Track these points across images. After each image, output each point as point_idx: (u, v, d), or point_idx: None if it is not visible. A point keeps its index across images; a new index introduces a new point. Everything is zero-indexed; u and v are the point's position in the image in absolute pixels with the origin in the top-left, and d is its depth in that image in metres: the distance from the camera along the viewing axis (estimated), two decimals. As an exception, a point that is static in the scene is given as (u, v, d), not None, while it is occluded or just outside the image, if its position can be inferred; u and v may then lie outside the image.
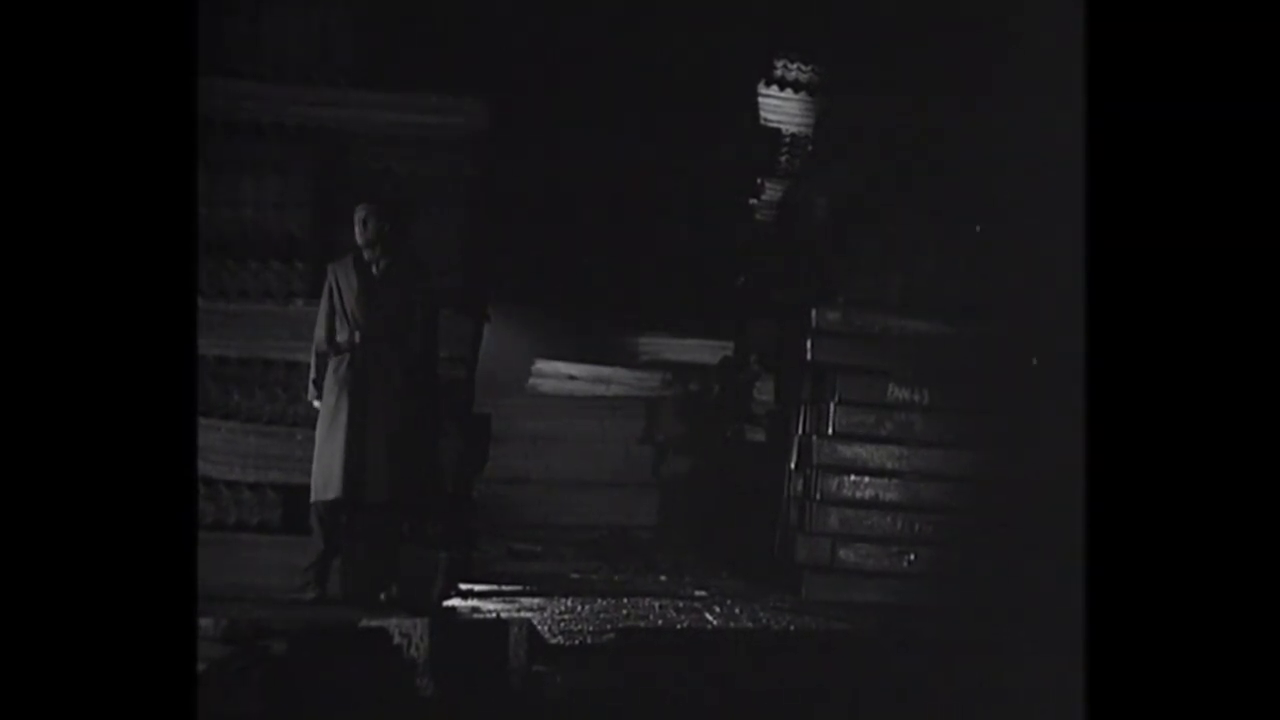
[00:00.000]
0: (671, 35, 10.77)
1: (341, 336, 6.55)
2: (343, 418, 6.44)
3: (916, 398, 8.57)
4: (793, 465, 9.20)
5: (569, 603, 7.82)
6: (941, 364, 8.53)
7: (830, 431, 8.54)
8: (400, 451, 6.51)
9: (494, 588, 8.37)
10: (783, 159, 10.69)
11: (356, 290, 6.54)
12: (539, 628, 6.47)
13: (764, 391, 10.89)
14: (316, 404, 6.59)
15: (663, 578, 9.78)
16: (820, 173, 9.56)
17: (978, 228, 8.56)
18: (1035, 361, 8.12)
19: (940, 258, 8.75)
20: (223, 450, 7.01)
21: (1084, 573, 3.16)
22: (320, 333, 6.57)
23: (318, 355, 6.57)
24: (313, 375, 6.60)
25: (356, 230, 6.57)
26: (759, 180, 11.17)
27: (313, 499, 6.50)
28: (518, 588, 8.49)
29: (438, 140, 7.40)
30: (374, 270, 6.59)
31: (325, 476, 6.44)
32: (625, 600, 8.08)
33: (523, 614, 6.92)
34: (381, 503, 6.49)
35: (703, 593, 8.74)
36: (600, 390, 13.88)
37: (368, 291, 6.54)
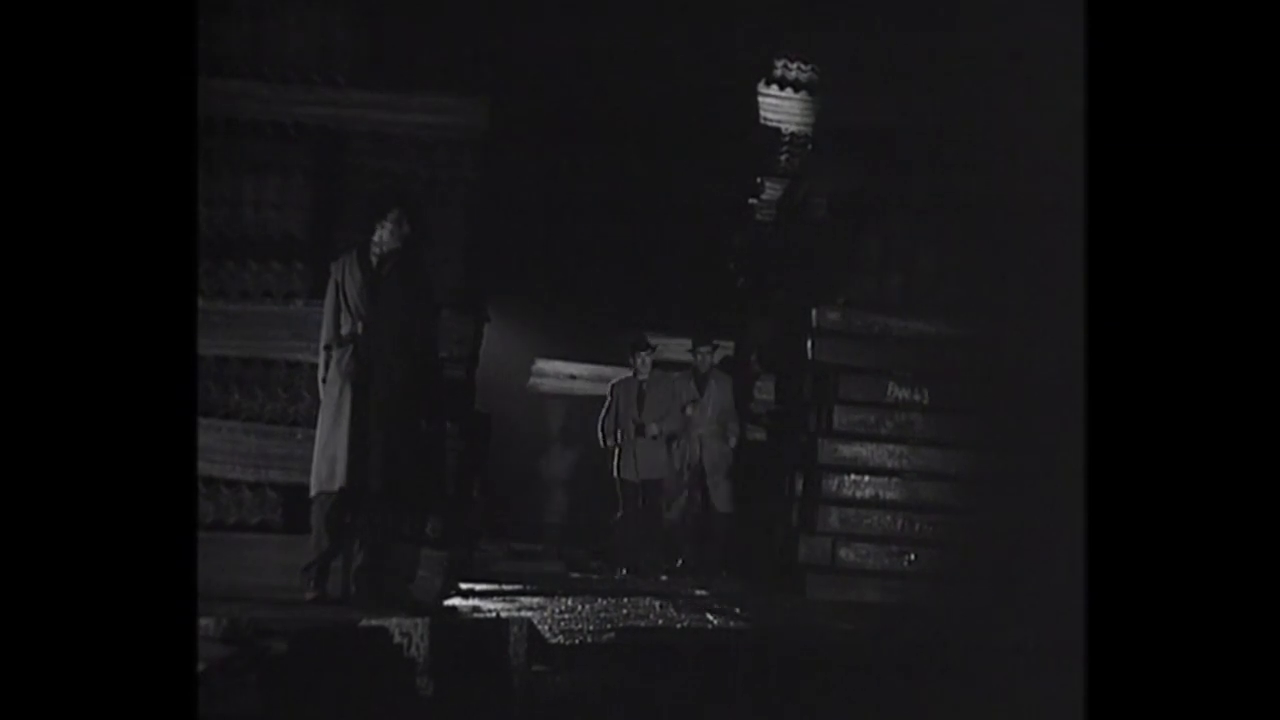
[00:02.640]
0: (671, 35, 10.74)
1: (345, 329, 6.56)
2: (347, 409, 6.45)
3: (916, 397, 8.56)
4: (794, 465, 9.19)
5: (569, 602, 7.81)
6: (941, 364, 8.53)
7: (831, 431, 8.54)
8: (403, 445, 6.52)
9: (494, 587, 8.37)
10: (783, 159, 10.64)
11: (360, 284, 6.56)
12: (539, 627, 6.46)
13: (764, 391, 10.87)
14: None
15: (663, 578, 9.78)
16: (820, 173, 9.55)
17: None
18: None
19: (940, 258, 8.75)
20: (223, 450, 7.02)
21: (1084, 573, 3.16)
22: (326, 329, 6.59)
23: (324, 350, 6.59)
24: (320, 373, 6.62)
25: (388, 231, 6.57)
26: (759, 180, 11.14)
27: (314, 491, 6.50)
28: (518, 587, 8.48)
29: (438, 140, 7.41)
30: (380, 265, 6.60)
31: (329, 467, 6.44)
32: (625, 600, 8.07)
33: (523, 613, 6.91)
34: (384, 495, 6.49)
35: (703, 592, 8.73)
36: (601, 390, 13.84)
37: (371, 285, 6.57)
